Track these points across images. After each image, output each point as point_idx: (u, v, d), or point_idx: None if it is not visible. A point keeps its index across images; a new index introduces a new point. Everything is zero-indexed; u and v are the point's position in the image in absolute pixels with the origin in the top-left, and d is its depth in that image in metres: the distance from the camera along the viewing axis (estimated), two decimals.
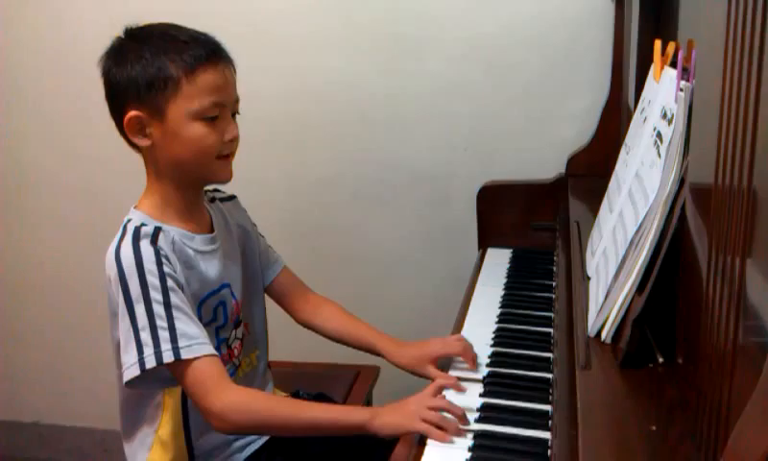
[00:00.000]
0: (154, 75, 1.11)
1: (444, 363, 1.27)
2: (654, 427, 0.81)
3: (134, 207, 1.19)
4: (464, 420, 1.07)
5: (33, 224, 2.25)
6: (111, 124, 1.18)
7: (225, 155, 1.17)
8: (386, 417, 1.08)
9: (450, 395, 1.16)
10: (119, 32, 1.17)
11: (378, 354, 1.33)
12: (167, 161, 1.15)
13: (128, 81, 1.12)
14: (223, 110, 1.15)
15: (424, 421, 1.05)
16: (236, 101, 1.19)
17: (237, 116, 1.20)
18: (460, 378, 1.21)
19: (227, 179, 1.20)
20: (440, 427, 1.04)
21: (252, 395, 1.16)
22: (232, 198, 1.37)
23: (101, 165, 2.10)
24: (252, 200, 1.41)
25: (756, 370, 0.53)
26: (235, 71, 1.19)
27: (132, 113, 1.12)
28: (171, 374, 1.10)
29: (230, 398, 1.08)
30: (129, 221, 1.15)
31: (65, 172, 2.17)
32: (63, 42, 2.07)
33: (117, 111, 1.15)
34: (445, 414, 1.07)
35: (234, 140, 1.17)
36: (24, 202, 2.24)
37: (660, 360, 0.94)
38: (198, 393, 1.09)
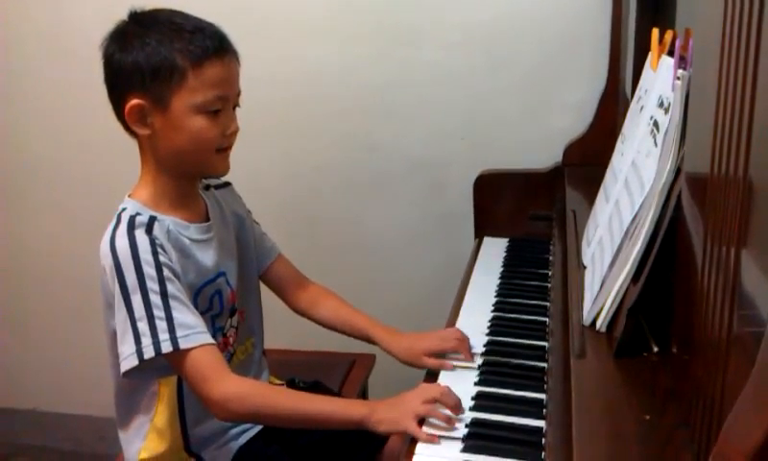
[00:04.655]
0: (159, 64, 1.09)
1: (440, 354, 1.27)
2: (648, 416, 0.81)
3: (129, 196, 1.18)
4: (457, 410, 1.07)
5: (31, 212, 2.24)
6: (110, 112, 1.16)
7: (224, 148, 1.16)
8: (383, 414, 1.07)
9: (446, 383, 1.16)
10: (122, 18, 1.15)
11: (373, 343, 1.33)
12: (166, 152, 1.14)
13: (132, 67, 1.10)
14: (225, 104, 1.14)
15: (416, 414, 1.05)
16: (238, 94, 1.18)
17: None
18: (456, 366, 1.21)
19: (224, 172, 1.20)
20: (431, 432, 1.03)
21: (252, 385, 1.17)
22: (227, 185, 1.36)
23: (100, 154, 2.08)
24: (248, 188, 1.40)
25: (749, 359, 0.53)
26: (239, 63, 1.17)
27: (134, 101, 1.11)
28: (168, 363, 1.10)
29: (230, 387, 1.09)
30: (123, 210, 1.14)
31: (64, 161, 2.16)
32: (61, 31, 2.05)
33: (117, 97, 1.14)
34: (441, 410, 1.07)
35: (234, 134, 1.17)
36: (22, 190, 2.23)
37: (655, 349, 0.94)
38: (197, 382, 1.09)
